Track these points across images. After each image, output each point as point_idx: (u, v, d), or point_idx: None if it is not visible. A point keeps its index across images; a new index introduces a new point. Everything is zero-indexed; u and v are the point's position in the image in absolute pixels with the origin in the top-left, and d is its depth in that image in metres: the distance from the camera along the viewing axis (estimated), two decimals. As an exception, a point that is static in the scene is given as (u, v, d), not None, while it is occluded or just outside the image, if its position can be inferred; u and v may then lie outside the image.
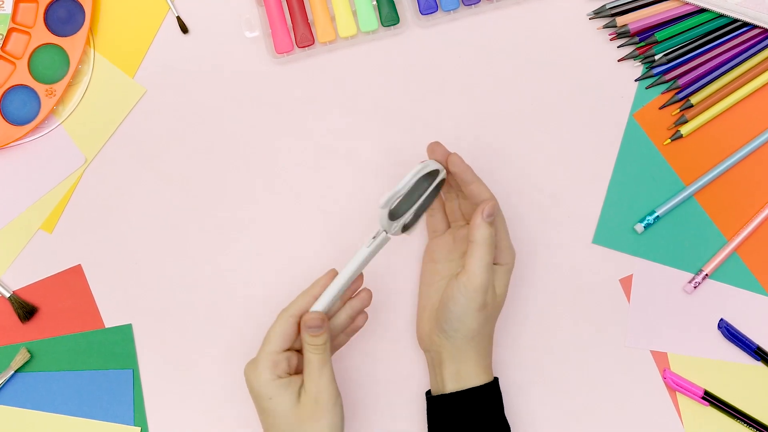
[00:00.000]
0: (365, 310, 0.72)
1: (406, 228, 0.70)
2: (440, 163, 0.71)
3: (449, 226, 0.75)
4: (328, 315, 0.70)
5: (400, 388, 0.78)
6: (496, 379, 0.72)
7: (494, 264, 0.71)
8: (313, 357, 0.67)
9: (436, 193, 0.72)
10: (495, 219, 0.70)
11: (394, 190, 0.67)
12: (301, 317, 0.68)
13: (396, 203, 0.68)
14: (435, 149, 0.72)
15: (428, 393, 0.73)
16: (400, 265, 0.78)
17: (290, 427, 0.66)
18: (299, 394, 0.67)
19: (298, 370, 0.69)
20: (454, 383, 0.70)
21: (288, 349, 0.68)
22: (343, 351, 0.76)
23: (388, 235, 0.69)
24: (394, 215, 0.68)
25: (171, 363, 0.78)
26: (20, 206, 0.80)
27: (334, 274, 0.69)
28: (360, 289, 0.72)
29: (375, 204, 0.78)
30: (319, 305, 0.68)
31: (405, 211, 0.69)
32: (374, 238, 0.69)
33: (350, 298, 0.71)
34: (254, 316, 0.78)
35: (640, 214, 0.78)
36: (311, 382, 0.66)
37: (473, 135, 0.79)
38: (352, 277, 0.69)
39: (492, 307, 0.70)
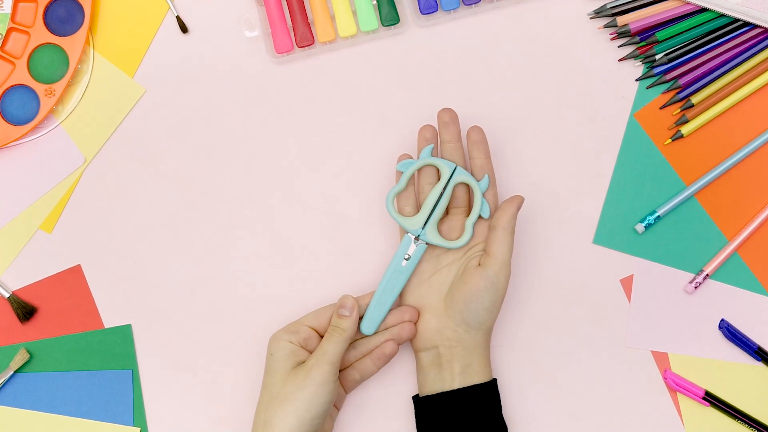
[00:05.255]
0: (396, 341, 0.73)
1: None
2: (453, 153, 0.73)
3: None
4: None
5: (392, 389, 0.78)
6: (495, 379, 0.73)
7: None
8: (330, 337, 0.70)
9: (448, 194, 0.73)
10: None
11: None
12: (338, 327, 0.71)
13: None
14: (445, 127, 0.74)
15: (416, 396, 0.73)
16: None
17: (276, 388, 0.69)
18: (299, 365, 0.70)
19: (310, 350, 0.72)
20: (461, 378, 0.71)
21: (312, 330, 0.71)
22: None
23: (421, 241, 0.72)
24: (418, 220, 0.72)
25: (170, 363, 0.78)
26: (20, 206, 0.80)
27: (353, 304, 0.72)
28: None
29: (376, 203, 0.79)
30: (369, 328, 0.73)
31: (427, 215, 0.72)
32: (415, 246, 0.73)
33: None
34: (254, 316, 0.78)
35: (640, 214, 0.78)
36: (313, 357, 0.69)
37: (473, 135, 0.79)
38: (392, 295, 0.73)
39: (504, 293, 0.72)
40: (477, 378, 0.71)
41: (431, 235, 0.72)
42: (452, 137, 0.74)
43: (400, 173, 0.74)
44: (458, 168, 0.72)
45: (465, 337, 0.71)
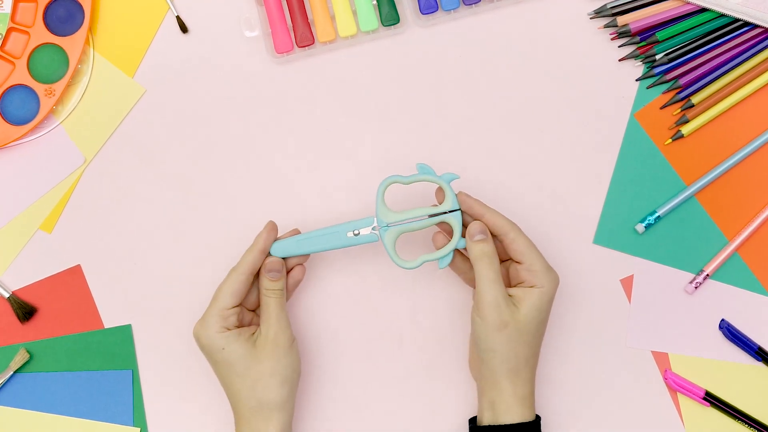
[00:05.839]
0: (303, 264, 0.74)
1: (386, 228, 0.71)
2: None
3: None
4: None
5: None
6: (537, 418, 0.70)
7: (521, 285, 0.70)
8: (270, 301, 0.71)
9: (431, 222, 0.71)
10: (513, 236, 0.70)
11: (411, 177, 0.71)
12: (251, 274, 0.71)
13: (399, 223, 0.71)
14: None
15: (472, 419, 0.72)
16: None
17: (248, 369, 0.69)
18: (254, 340, 0.70)
19: (245, 324, 0.72)
20: (489, 414, 0.69)
21: (237, 305, 0.71)
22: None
23: (376, 232, 0.71)
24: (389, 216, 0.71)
25: (170, 363, 0.78)
26: (19, 206, 0.79)
27: (272, 225, 0.72)
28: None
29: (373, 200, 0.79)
30: (279, 253, 0.72)
31: (400, 219, 0.71)
32: (370, 231, 0.71)
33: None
34: (254, 317, 0.78)
35: (641, 214, 0.78)
36: (269, 326, 0.70)
37: (473, 135, 0.79)
38: (316, 247, 0.72)
39: (515, 327, 0.68)
40: (506, 417, 0.68)
41: (389, 238, 0.71)
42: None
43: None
44: (459, 213, 0.70)
45: (483, 369, 0.70)
